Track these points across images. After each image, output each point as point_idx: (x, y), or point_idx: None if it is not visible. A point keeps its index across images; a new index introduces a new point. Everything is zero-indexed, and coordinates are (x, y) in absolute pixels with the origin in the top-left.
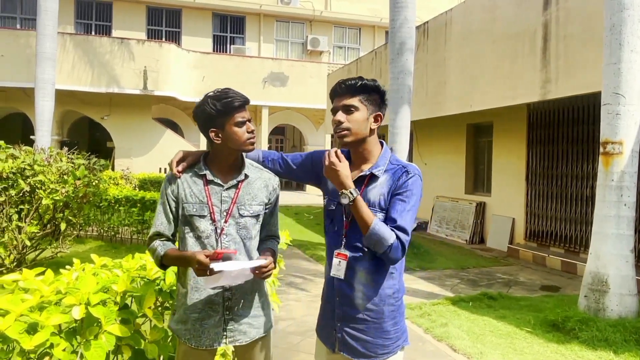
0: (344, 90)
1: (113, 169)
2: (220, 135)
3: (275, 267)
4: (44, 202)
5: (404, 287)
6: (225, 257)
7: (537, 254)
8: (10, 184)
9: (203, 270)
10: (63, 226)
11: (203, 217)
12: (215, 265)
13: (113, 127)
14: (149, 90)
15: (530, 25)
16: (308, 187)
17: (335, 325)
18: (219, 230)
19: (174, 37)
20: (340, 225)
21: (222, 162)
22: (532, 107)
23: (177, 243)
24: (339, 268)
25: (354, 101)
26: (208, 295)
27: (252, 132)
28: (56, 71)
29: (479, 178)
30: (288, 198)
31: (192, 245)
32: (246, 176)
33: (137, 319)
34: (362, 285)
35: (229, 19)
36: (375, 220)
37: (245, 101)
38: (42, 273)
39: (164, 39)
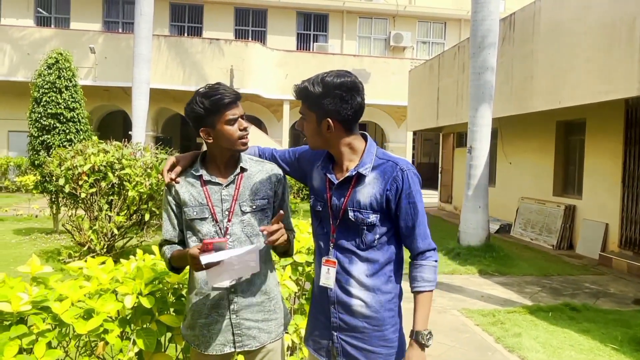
0: (295, 96)
1: None
2: (211, 134)
3: (287, 239)
4: (130, 193)
5: (402, 290)
6: (217, 248)
7: (632, 263)
8: (101, 176)
9: (196, 265)
10: (147, 217)
11: (204, 219)
12: (204, 258)
13: None
14: (235, 88)
15: (629, 13)
16: None
17: (331, 335)
18: (222, 231)
19: (260, 37)
20: (329, 227)
21: (217, 160)
22: (631, 102)
23: None
24: (328, 277)
25: (303, 109)
26: (213, 299)
27: (244, 129)
28: (151, 71)
29: (568, 179)
30: None
31: None
32: (243, 169)
33: None
34: (360, 291)
35: (312, 17)
36: (425, 297)
37: (237, 97)
38: (104, 262)
39: (250, 39)
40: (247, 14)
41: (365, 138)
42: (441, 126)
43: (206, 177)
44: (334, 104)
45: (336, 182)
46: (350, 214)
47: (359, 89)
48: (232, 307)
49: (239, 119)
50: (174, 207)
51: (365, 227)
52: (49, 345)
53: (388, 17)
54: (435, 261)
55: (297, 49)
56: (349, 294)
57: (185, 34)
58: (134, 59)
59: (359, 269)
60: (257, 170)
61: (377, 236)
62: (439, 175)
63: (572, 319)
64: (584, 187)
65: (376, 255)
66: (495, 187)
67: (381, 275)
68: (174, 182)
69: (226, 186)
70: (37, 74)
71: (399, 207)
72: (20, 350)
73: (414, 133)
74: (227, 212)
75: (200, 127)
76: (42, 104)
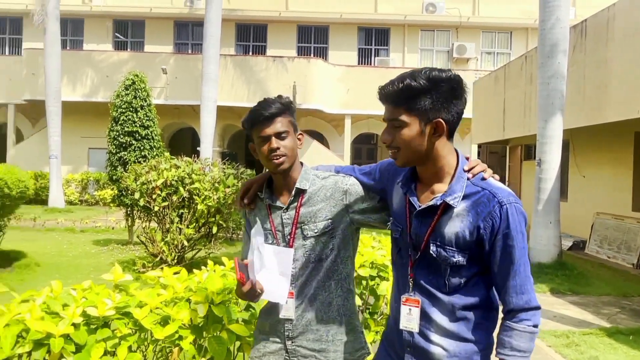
0: (383, 100)
1: None
2: (255, 151)
3: None
4: (199, 207)
5: (494, 341)
6: (242, 267)
7: None
8: (173, 190)
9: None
10: (215, 229)
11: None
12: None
13: None
14: (297, 103)
15: None
16: None
17: None
18: None
19: (322, 53)
20: (407, 259)
21: (275, 181)
22: None
23: None
24: (410, 318)
25: (398, 113)
26: (274, 320)
27: (272, 150)
28: (218, 89)
29: None
30: None
31: None
32: (300, 191)
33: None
34: (441, 338)
35: (373, 31)
36: (513, 352)
37: (274, 114)
38: (178, 272)
39: (312, 55)
40: (309, 31)
41: (456, 153)
42: (507, 138)
43: (268, 200)
44: (442, 102)
45: (418, 208)
46: (432, 248)
47: (465, 83)
48: (287, 333)
49: (272, 138)
50: (247, 230)
51: (449, 267)
52: (129, 349)
53: (451, 28)
54: (534, 326)
55: (359, 63)
56: (427, 339)
57: (250, 53)
58: (202, 78)
59: (440, 313)
60: (319, 187)
61: (464, 279)
62: None
63: None
64: None
65: (462, 299)
66: (567, 201)
67: (467, 321)
68: (248, 210)
69: (286, 209)
70: (116, 94)
71: (492, 250)
72: (105, 352)
73: (479, 146)
74: (288, 237)
75: (250, 142)
76: (119, 122)
